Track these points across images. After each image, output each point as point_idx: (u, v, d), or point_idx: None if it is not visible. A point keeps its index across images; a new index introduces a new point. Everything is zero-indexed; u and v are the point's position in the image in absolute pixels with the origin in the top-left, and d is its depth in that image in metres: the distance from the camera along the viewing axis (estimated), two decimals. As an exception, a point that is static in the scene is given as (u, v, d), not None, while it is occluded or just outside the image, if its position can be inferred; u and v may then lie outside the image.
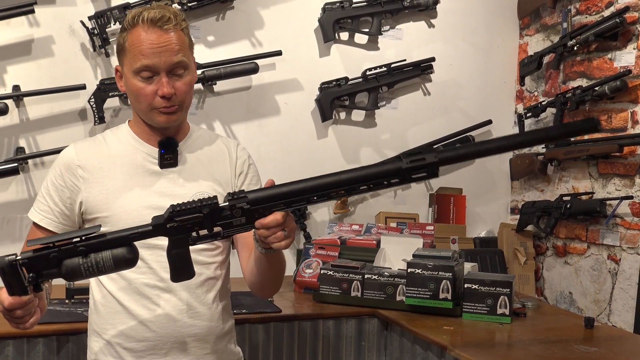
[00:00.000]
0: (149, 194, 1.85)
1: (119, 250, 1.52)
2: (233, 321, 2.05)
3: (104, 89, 3.33)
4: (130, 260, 1.53)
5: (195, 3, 3.46)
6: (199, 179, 1.91)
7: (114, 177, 1.86)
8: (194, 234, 1.56)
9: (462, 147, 1.57)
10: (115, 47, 1.90)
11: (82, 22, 3.34)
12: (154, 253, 1.83)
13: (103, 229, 1.77)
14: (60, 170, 1.87)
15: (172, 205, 1.55)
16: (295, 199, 1.54)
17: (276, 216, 1.54)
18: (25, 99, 3.29)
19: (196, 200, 1.55)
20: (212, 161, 1.96)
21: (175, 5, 3.43)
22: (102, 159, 1.88)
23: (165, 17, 1.77)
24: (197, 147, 1.96)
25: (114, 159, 1.88)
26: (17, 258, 1.48)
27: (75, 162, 1.86)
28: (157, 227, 1.55)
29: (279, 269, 1.87)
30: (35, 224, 1.89)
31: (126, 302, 1.84)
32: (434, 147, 1.64)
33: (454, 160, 1.54)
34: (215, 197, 1.54)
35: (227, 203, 1.54)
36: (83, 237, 1.51)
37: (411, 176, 1.51)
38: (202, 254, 1.88)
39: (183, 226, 1.54)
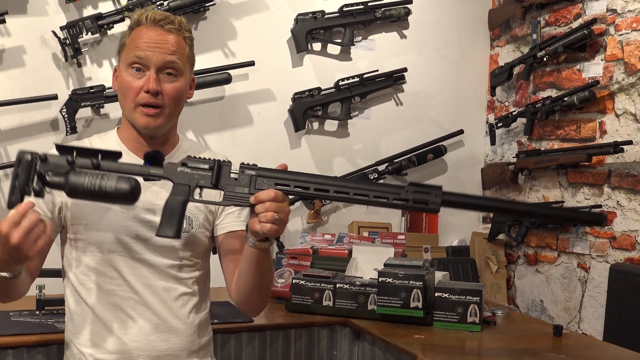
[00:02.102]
0: (131, 205, 1.77)
1: (123, 182, 1.52)
2: (210, 336, 2.02)
3: (76, 99, 3.30)
4: (128, 194, 1.53)
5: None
6: None
7: None
8: (198, 193, 1.62)
9: (468, 197, 1.71)
10: (116, 50, 1.90)
11: (53, 32, 3.31)
12: (132, 266, 1.80)
13: (82, 236, 1.79)
14: None
15: (188, 155, 1.63)
16: (299, 186, 1.61)
17: (270, 193, 1.57)
18: (-3, 109, 3.26)
19: (209, 157, 1.63)
20: None
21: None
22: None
23: (169, 19, 1.79)
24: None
25: None
26: (38, 153, 1.53)
27: None
28: (168, 169, 1.61)
29: (267, 274, 1.83)
30: None
31: (100, 313, 1.80)
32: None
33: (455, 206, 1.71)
34: (229, 161, 1.63)
35: (237, 169, 1.62)
36: (101, 154, 1.57)
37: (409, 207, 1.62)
38: (180, 271, 1.86)
39: (191, 174, 1.61)
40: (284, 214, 1.60)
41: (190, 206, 1.83)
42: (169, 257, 1.83)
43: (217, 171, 1.61)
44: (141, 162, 1.79)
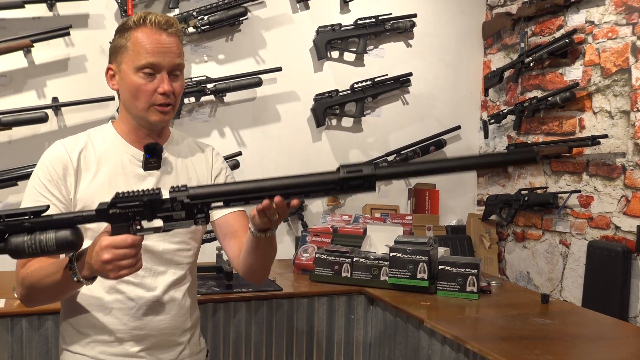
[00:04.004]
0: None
1: (63, 232, 1.34)
2: (198, 312, 1.88)
3: (130, 100, 3.28)
4: (72, 242, 1.35)
5: (208, 27, 3.43)
6: (179, 182, 1.72)
7: (100, 177, 1.66)
8: (138, 226, 1.38)
9: (399, 165, 1.44)
10: (111, 48, 1.70)
11: (110, 43, 3.30)
12: None
13: (90, 226, 1.59)
14: (54, 167, 1.64)
15: (117, 193, 1.37)
16: (234, 197, 1.38)
17: (267, 202, 1.40)
18: (62, 108, 3.26)
19: (139, 190, 1.38)
20: (191, 164, 1.80)
21: (191, 29, 3.40)
22: (89, 158, 1.67)
23: (170, 22, 1.65)
24: (178, 151, 1.79)
25: (100, 159, 1.68)
26: None
27: (67, 160, 1.64)
28: (100, 213, 1.37)
29: (270, 254, 1.71)
30: None
31: (99, 295, 1.65)
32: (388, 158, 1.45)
33: (390, 177, 1.43)
34: (158, 189, 1.38)
35: (167, 196, 1.37)
36: (30, 214, 1.35)
37: (347, 187, 1.37)
38: (177, 255, 1.74)
39: (125, 214, 1.36)
40: (283, 214, 1.45)
41: None
42: (168, 242, 1.71)
43: (149, 205, 1.37)
44: (141, 153, 1.69)
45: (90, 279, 1.46)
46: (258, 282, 1.83)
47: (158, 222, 1.39)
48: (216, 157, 1.87)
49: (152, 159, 1.69)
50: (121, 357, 1.68)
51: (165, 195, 1.39)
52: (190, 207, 1.37)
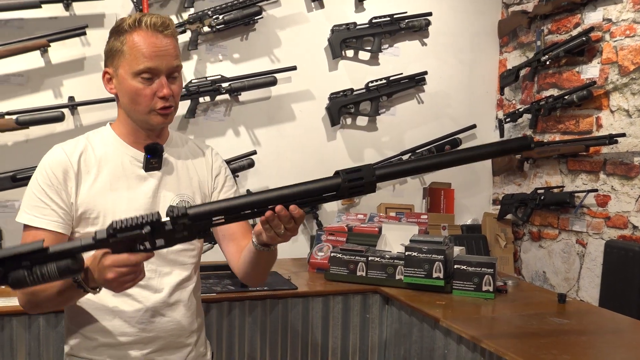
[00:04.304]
0: (135, 196, 1.66)
1: (63, 262, 1.31)
2: (203, 315, 1.89)
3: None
4: (74, 270, 1.32)
5: (223, 26, 3.43)
6: (180, 182, 1.74)
7: (102, 179, 1.65)
8: (141, 247, 1.36)
9: (398, 164, 1.45)
10: (106, 51, 1.67)
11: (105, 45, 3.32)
12: None
13: (93, 229, 1.59)
14: (53, 171, 1.61)
15: (113, 222, 1.34)
16: (235, 214, 1.38)
17: (284, 209, 1.40)
18: (78, 108, 3.27)
19: (138, 216, 1.34)
20: (191, 164, 1.79)
21: (206, 28, 3.41)
22: (90, 161, 1.65)
23: (165, 23, 1.60)
24: (178, 152, 1.78)
25: (100, 161, 1.66)
26: None
27: (67, 164, 1.62)
28: (100, 242, 1.34)
29: (270, 263, 1.71)
30: (36, 229, 1.60)
31: (105, 298, 1.62)
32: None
33: (389, 177, 1.43)
34: (157, 213, 1.35)
35: (168, 219, 1.34)
36: (26, 252, 1.29)
37: (348, 190, 1.38)
38: (181, 255, 1.72)
39: (125, 241, 1.35)
40: (292, 229, 1.45)
41: (187, 191, 1.74)
42: None
43: (152, 233, 1.35)
44: (141, 154, 1.68)
45: (97, 288, 1.46)
46: (255, 286, 1.83)
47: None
48: (215, 157, 1.86)
49: (153, 159, 1.68)
50: None
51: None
52: (192, 227, 1.36)
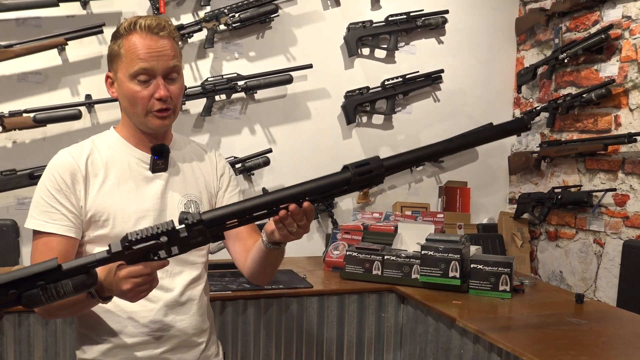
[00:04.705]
0: (143, 198, 1.66)
1: (78, 278, 1.29)
2: (212, 315, 1.87)
3: (162, 98, 3.31)
4: (89, 285, 1.32)
5: (239, 24, 3.43)
6: (187, 182, 1.74)
7: (110, 182, 1.64)
8: (155, 257, 1.37)
9: (404, 154, 1.48)
10: (107, 56, 1.67)
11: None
12: None
13: (103, 232, 1.61)
14: (61, 176, 1.60)
15: (127, 234, 1.33)
16: (248, 217, 1.39)
17: (296, 207, 1.41)
18: (95, 106, 3.29)
19: (152, 227, 1.34)
20: (196, 165, 1.79)
21: (222, 26, 3.41)
22: (97, 164, 1.65)
23: (161, 25, 1.59)
24: (183, 153, 1.78)
25: (107, 164, 1.65)
26: None
27: (75, 167, 1.61)
28: (115, 255, 1.33)
29: (278, 262, 1.72)
30: (47, 234, 1.59)
31: (118, 301, 1.54)
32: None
33: (399, 166, 1.46)
34: (171, 222, 1.35)
35: (183, 226, 1.34)
36: (40, 272, 1.27)
37: (358, 184, 1.42)
38: (191, 254, 1.70)
39: (142, 252, 1.34)
40: (304, 226, 1.47)
41: (194, 191, 1.74)
42: None
43: (168, 242, 1.35)
44: (147, 156, 1.68)
45: (109, 298, 1.46)
46: (262, 284, 1.84)
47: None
48: (219, 157, 1.87)
49: (160, 160, 1.68)
50: None
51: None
52: (205, 232, 1.37)
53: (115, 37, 1.63)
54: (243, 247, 1.78)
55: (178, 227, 1.35)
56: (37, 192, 1.62)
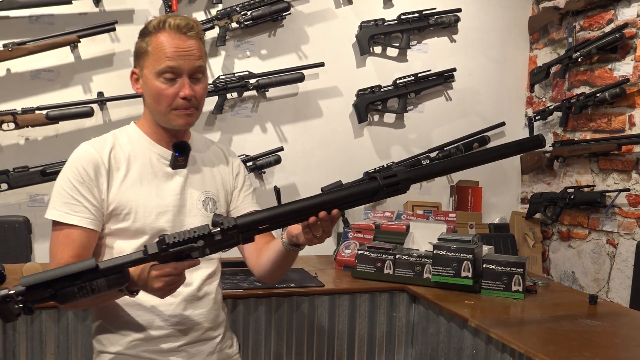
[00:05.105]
0: (164, 193, 1.68)
1: (113, 276, 1.35)
2: (226, 309, 1.91)
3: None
4: (123, 283, 1.38)
5: (251, 22, 3.43)
6: (205, 180, 1.77)
7: (132, 176, 1.66)
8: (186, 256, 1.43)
9: (428, 166, 1.63)
10: (134, 52, 1.71)
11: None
12: None
13: (123, 225, 1.63)
14: (84, 168, 1.61)
15: (164, 235, 1.39)
16: (279, 222, 1.47)
17: (326, 215, 1.48)
18: (107, 103, 3.30)
19: (189, 230, 1.40)
20: (214, 163, 1.82)
21: (234, 24, 3.41)
22: (119, 157, 1.67)
23: (189, 25, 1.62)
24: (201, 150, 1.81)
25: (129, 158, 1.68)
26: (10, 293, 1.29)
27: (99, 161, 1.63)
28: (152, 256, 1.39)
29: (291, 262, 1.77)
30: (68, 225, 1.60)
31: (141, 294, 1.55)
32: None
33: (423, 178, 1.60)
34: (207, 226, 1.41)
35: (218, 230, 1.41)
36: (78, 272, 1.32)
37: (385, 193, 1.51)
38: None
39: (177, 254, 1.40)
40: (328, 232, 1.53)
41: (212, 189, 1.77)
42: None
43: (205, 246, 1.41)
44: (168, 152, 1.70)
45: (136, 291, 1.50)
46: (271, 284, 1.93)
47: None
48: (234, 157, 1.91)
49: (181, 157, 1.71)
50: (164, 354, 1.69)
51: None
52: (238, 236, 1.44)
53: (144, 34, 1.66)
54: (255, 246, 1.79)
55: (213, 231, 1.42)
56: (59, 183, 1.63)
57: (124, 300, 1.64)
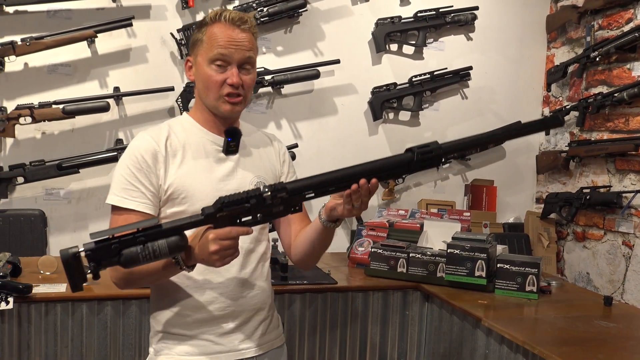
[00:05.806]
0: (218, 177, 1.76)
1: (173, 238, 1.44)
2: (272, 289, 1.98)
3: (189, 91, 3.32)
4: (182, 246, 1.46)
5: (267, 18, 3.43)
6: (256, 165, 1.84)
7: (187, 162, 1.74)
8: (239, 220, 1.50)
9: (459, 140, 1.66)
10: (190, 42, 1.81)
11: (171, 34, 3.35)
12: None
13: (179, 209, 1.70)
14: (143, 156, 1.69)
15: (220, 197, 1.48)
16: (324, 189, 1.53)
17: (365, 184, 1.53)
18: (123, 98, 3.31)
19: (242, 192, 1.49)
20: (263, 150, 1.89)
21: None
22: (175, 145, 1.74)
23: (244, 19, 1.72)
24: (250, 137, 1.88)
25: (185, 145, 1.76)
26: (80, 250, 1.38)
27: (156, 148, 1.71)
28: (208, 216, 1.47)
29: (328, 244, 1.81)
30: (127, 210, 1.67)
31: (193, 276, 1.71)
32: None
33: (454, 150, 1.66)
34: (259, 189, 1.50)
35: (269, 193, 1.49)
36: (141, 229, 1.42)
37: (421, 164, 1.57)
38: (261, 233, 1.83)
39: (231, 215, 1.47)
40: (366, 202, 1.58)
41: (263, 173, 1.84)
42: None
43: (255, 206, 1.48)
44: (220, 138, 1.78)
45: (192, 266, 1.57)
46: (307, 269, 1.95)
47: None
48: (281, 145, 1.98)
49: (233, 142, 1.77)
50: (222, 336, 1.76)
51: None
52: (287, 201, 1.51)
53: (201, 25, 1.75)
54: (293, 231, 1.88)
55: (264, 191, 1.48)
56: (118, 171, 1.72)
57: (182, 282, 1.73)
